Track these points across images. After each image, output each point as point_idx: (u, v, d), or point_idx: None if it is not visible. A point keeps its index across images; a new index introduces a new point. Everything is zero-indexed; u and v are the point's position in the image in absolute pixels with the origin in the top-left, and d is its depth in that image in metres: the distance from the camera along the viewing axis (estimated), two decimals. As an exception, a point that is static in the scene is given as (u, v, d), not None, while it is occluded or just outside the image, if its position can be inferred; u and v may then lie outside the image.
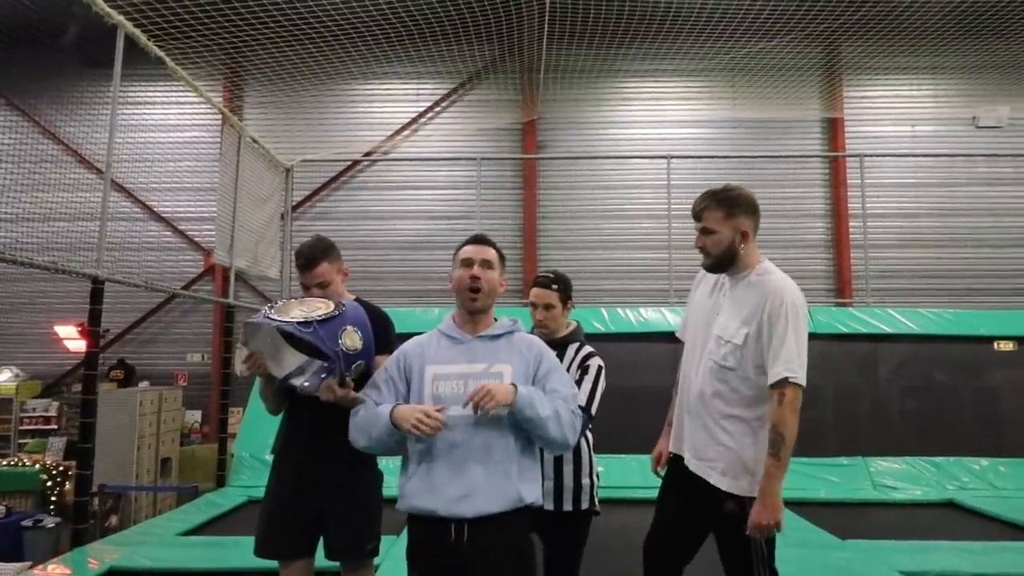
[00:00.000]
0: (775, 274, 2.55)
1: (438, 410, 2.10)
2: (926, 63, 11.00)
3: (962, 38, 9.62)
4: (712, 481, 2.50)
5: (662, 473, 2.81)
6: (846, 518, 5.32)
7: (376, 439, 2.20)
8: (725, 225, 2.55)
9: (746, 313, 2.49)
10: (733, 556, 2.53)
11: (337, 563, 2.76)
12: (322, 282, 2.78)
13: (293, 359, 2.60)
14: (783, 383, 2.38)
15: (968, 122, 11.45)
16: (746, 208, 2.59)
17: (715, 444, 2.51)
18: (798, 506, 5.38)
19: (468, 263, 2.30)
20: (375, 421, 2.19)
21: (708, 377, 2.56)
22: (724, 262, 2.60)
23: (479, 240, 2.39)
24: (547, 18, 8.50)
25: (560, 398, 2.21)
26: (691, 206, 2.68)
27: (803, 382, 2.39)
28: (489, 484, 2.12)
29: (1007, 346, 6.90)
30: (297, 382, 2.55)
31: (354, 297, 2.91)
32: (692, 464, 2.60)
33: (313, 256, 2.78)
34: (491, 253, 2.35)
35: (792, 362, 2.38)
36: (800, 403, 2.40)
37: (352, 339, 2.40)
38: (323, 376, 2.55)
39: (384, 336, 2.76)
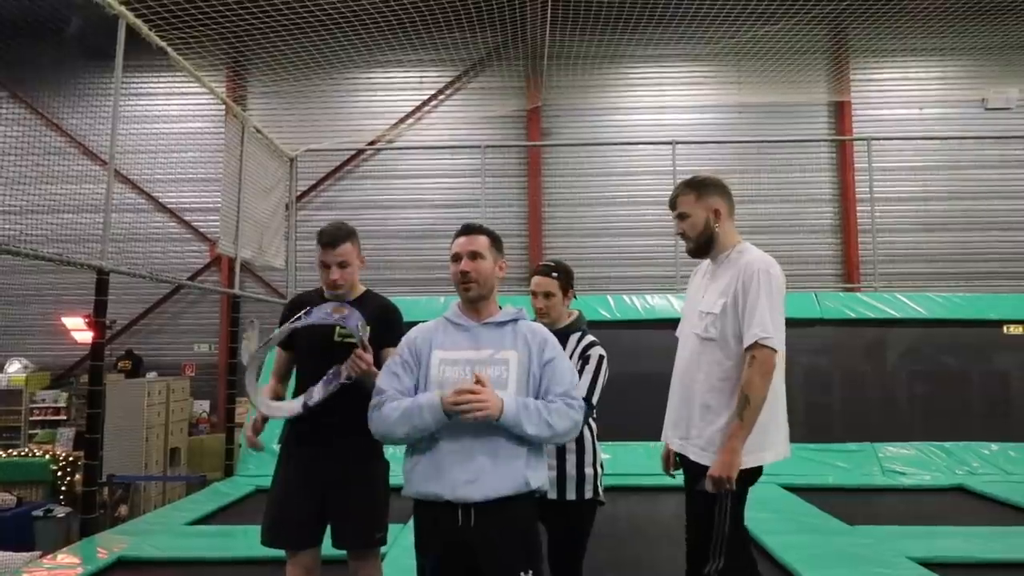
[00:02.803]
0: (752, 251, 2.62)
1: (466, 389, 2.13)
2: (934, 44, 10.86)
3: (971, 18, 9.49)
4: (692, 457, 2.52)
5: (675, 474, 2.80)
6: (854, 504, 5.31)
7: (421, 428, 2.15)
8: (697, 206, 2.65)
9: (723, 285, 2.57)
10: (696, 531, 2.54)
11: (344, 552, 2.77)
12: (343, 261, 2.77)
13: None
14: (754, 346, 2.42)
15: (977, 104, 11.34)
16: (715, 189, 2.69)
17: (696, 420, 2.54)
18: (806, 492, 5.38)
19: (457, 258, 2.32)
20: (418, 411, 2.15)
21: (692, 353, 2.62)
22: (703, 244, 2.68)
23: (467, 230, 2.37)
24: (551, 3, 8.43)
25: (557, 394, 2.20)
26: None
27: (776, 346, 2.42)
28: (496, 469, 2.13)
29: (1017, 330, 6.85)
30: (319, 396, 2.60)
31: (365, 289, 2.90)
32: (675, 444, 2.65)
33: (337, 235, 2.78)
34: (480, 242, 2.33)
35: (764, 325, 2.41)
36: (772, 367, 2.42)
37: (338, 310, 2.57)
38: (332, 379, 2.59)
39: (396, 328, 2.76)
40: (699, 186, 2.68)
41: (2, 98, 11.66)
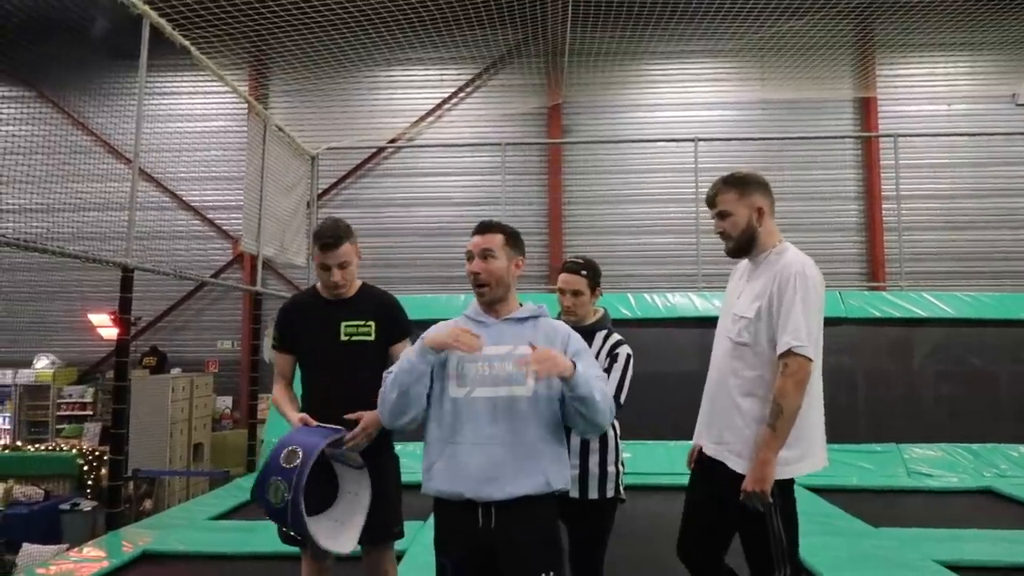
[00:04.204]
0: (792, 252, 2.51)
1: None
2: (963, 39, 10.64)
3: (1000, 12, 9.30)
4: (730, 464, 2.44)
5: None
6: (879, 506, 5.24)
7: (408, 371, 2.13)
8: (740, 204, 2.52)
9: (759, 288, 2.47)
10: (753, 547, 2.44)
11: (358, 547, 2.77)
12: (344, 262, 2.75)
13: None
14: (787, 354, 2.32)
15: (1007, 100, 11.11)
16: (758, 186, 2.55)
17: (731, 425, 2.46)
18: (830, 493, 5.30)
19: (469, 256, 2.28)
20: (404, 363, 2.16)
21: (726, 357, 2.53)
22: (745, 244, 2.56)
23: (481, 228, 2.31)
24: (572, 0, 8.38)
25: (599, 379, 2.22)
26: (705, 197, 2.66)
27: (809, 354, 2.32)
28: (516, 467, 2.10)
29: (1047, 330, 6.70)
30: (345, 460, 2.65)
31: (361, 283, 2.90)
32: (710, 449, 2.56)
33: (338, 236, 2.74)
34: (493, 240, 2.27)
35: (798, 332, 2.31)
36: (806, 376, 2.32)
37: (287, 460, 2.43)
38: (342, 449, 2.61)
39: (401, 322, 2.81)
40: (741, 183, 2.54)
41: (29, 97, 11.86)
